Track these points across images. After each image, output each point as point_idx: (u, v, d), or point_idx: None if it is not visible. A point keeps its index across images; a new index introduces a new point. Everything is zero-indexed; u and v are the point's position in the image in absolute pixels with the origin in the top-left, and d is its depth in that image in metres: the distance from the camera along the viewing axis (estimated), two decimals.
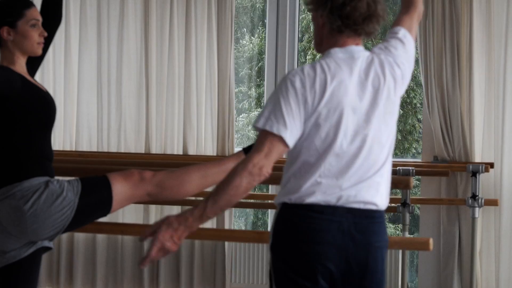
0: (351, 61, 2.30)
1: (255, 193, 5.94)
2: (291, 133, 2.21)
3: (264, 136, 2.21)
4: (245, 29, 6.36)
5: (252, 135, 6.39)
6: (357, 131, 2.26)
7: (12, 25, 2.91)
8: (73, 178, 2.95)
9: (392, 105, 2.32)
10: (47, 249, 2.94)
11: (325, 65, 2.27)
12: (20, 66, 2.96)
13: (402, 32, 2.43)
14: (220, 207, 2.21)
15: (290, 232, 2.25)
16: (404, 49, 2.40)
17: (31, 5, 2.97)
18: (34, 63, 3.11)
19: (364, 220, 2.25)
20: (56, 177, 2.95)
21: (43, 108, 2.95)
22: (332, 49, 2.31)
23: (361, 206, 2.25)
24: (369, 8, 2.28)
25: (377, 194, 2.27)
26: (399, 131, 8.41)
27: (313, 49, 6.46)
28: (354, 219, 2.24)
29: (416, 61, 5.66)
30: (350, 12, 2.27)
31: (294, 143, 2.23)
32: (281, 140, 2.20)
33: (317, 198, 2.22)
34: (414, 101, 8.13)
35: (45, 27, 3.00)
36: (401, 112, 8.39)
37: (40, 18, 2.97)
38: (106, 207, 2.92)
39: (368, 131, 2.26)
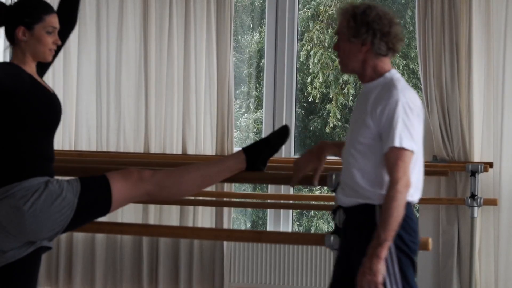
0: None
1: (255, 192, 5.94)
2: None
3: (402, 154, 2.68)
4: (247, 27, 6.35)
5: (251, 135, 6.38)
6: None
7: (29, 27, 2.89)
8: (72, 178, 2.95)
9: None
10: (47, 248, 2.94)
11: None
12: (30, 66, 2.94)
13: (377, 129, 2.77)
14: (391, 227, 2.62)
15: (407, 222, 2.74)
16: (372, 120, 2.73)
17: (52, 11, 2.94)
18: (43, 65, 3.10)
19: None
20: (56, 177, 2.95)
21: (48, 109, 2.93)
22: (393, 70, 2.76)
23: None
24: (402, 32, 2.77)
25: None
26: None
27: (312, 48, 6.45)
28: None
29: (415, 61, 5.66)
30: (394, 37, 2.73)
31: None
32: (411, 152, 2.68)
33: (414, 197, 2.81)
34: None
35: (59, 32, 2.97)
36: None
37: (57, 26, 2.94)
38: (105, 206, 2.92)
39: None
